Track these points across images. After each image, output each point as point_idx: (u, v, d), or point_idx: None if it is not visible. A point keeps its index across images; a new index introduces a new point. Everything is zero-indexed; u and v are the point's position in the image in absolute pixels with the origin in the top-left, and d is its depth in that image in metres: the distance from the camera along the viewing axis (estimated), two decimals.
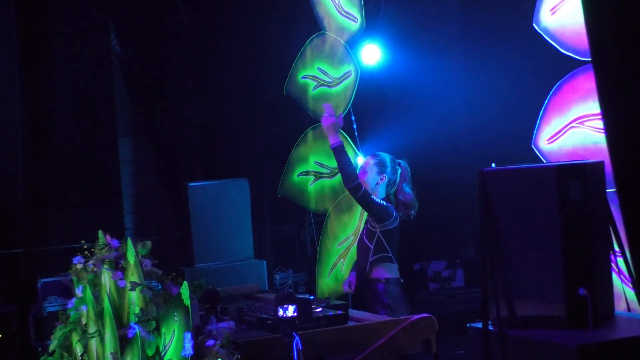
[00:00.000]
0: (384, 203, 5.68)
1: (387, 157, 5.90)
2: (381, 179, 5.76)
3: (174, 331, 3.98)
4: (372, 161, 5.82)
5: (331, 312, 4.63)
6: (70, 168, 8.47)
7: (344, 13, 7.21)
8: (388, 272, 5.72)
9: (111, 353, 4.48)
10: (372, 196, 5.64)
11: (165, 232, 8.98)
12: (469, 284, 8.30)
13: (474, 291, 8.05)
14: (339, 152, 5.63)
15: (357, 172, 5.77)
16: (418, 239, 8.64)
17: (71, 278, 5.21)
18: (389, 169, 5.81)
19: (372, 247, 5.67)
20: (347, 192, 7.16)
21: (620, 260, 4.38)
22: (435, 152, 8.12)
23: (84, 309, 5.03)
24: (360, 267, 5.76)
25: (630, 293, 4.45)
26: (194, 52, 9.07)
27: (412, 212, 5.86)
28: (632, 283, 4.27)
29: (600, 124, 4.75)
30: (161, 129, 9.18)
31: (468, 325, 4.34)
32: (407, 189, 5.85)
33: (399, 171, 5.85)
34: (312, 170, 7.51)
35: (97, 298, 4.85)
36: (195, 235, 6.93)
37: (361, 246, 5.79)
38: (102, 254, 4.79)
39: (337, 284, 7.13)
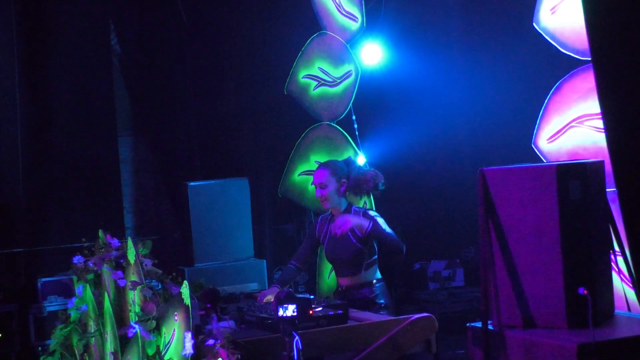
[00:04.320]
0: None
1: (336, 162, 5.76)
2: (342, 185, 5.57)
3: (174, 330, 3.98)
4: (326, 173, 5.59)
5: (331, 312, 4.63)
6: (70, 168, 8.47)
7: (344, 13, 7.21)
8: (378, 273, 5.67)
9: (111, 352, 4.48)
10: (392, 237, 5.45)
11: (165, 232, 8.99)
12: (469, 283, 8.31)
13: (473, 291, 8.05)
14: (379, 231, 5.35)
15: (327, 192, 5.57)
16: (418, 239, 8.66)
17: (71, 277, 5.21)
18: (345, 170, 5.63)
19: (366, 251, 5.51)
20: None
21: (620, 260, 4.38)
22: (435, 151, 8.13)
23: (84, 308, 5.04)
24: (350, 273, 5.57)
25: (630, 292, 4.45)
26: (194, 52, 9.07)
27: (379, 183, 5.65)
28: (632, 282, 4.28)
29: (600, 123, 4.75)
30: (161, 128, 9.18)
31: (468, 324, 4.35)
32: (362, 169, 5.72)
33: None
34: (312, 170, 7.51)
35: (98, 297, 4.86)
36: (195, 235, 6.93)
37: (348, 251, 5.55)
38: (102, 253, 4.80)
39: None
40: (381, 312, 5.41)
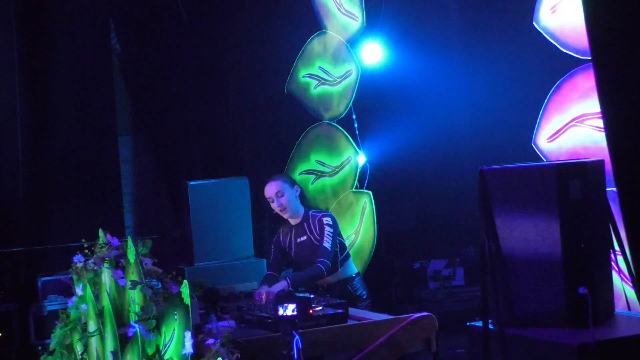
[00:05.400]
0: (334, 246, 5.57)
1: (284, 175, 6.02)
2: (297, 191, 5.72)
3: (174, 330, 3.98)
4: (279, 181, 5.70)
5: (331, 311, 4.64)
6: (70, 167, 8.46)
7: (344, 12, 7.21)
8: (354, 267, 5.82)
9: (111, 352, 4.48)
10: (333, 250, 5.54)
11: (166, 231, 8.98)
12: (469, 282, 8.31)
13: (473, 290, 8.05)
14: (295, 283, 5.34)
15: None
16: (418, 238, 8.66)
17: (71, 277, 5.21)
18: (294, 181, 5.84)
19: (337, 248, 5.61)
20: (348, 191, 7.20)
21: (620, 259, 4.39)
22: (435, 150, 8.12)
23: (84, 307, 5.03)
24: (328, 272, 5.55)
25: (630, 292, 4.45)
26: (194, 51, 9.07)
27: None
28: (632, 282, 4.28)
29: (600, 122, 4.76)
30: (161, 127, 9.18)
31: (468, 324, 4.35)
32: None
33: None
34: (313, 169, 7.51)
35: (97, 297, 4.86)
36: (195, 234, 6.93)
37: (312, 250, 5.61)
38: (102, 252, 4.80)
39: None
40: (364, 305, 5.56)
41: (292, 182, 5.78)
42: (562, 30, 5.16)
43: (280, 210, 5.71)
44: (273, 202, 5.72)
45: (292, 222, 5.76)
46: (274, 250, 5.88)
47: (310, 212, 5.72)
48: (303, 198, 5.80)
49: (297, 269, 5.85)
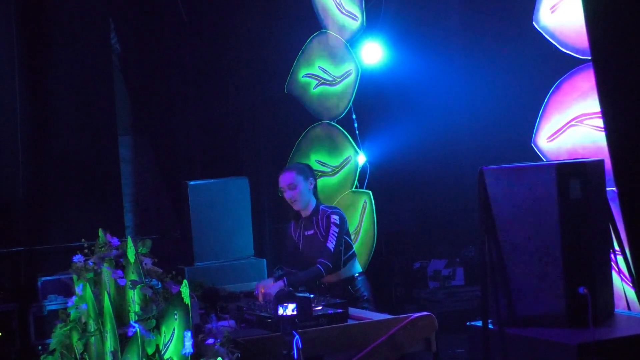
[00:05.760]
0: (339, 245, 5.55)
1: (299, 163, 5.97)
2: (311, 184, 5.68)
3: (174, 329, 3.98)
4: (293, 173, 5.68)
5: (331, 310, 4.64)
6: (70, 167, 8.46)
7: (344, 12, 7.21)
8: (357, 266, 5.78)
9: (111, 351, 4.48)
10: (337, 251, 5.52)
11: (166, 231, 8.99)
12: (469, 282, 8.30)
13: (474, 290, 8.05)
14: (293, 283, 5.29)
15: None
16: (418, 238, 8.65)
17: (71, 276, 5.21)
18: (310, 171, 5.79)
19: (342, 247, 5.60)
20: (348, 191, 7.21)
21: (620, 259, 4.39)
22: (435, 150, 8.11)
23: (84, 307, 5.04)
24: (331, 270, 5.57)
25: (630, 292, 4.45)
26: (194, 51, 9.07)
27: None
28: (632, 282, 4.28)
29: (600, 122, 4.76)
30: (161, 127, 9.18)
31: (468, 323, 4.35)
32: None
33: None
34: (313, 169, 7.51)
35: (97, 296, 4.86)
36: (195, 234, 6.92)
37: (317, 245, 5.62)
38: (102, 252, 4.80)
39: None
40: (364, 305, 5.50)
41: (308, 174, 5.72)
42: (562, 30, 5.16)
43: (291, 202, 5.70)
44: (285, 192, 5.71)
45: (303, 214, 5.75)
46: (287, 245, 5.87)
47: (321, 207, 5.68)
48: (317, 190, 5.79)
49: (303, 262, 5.82)
